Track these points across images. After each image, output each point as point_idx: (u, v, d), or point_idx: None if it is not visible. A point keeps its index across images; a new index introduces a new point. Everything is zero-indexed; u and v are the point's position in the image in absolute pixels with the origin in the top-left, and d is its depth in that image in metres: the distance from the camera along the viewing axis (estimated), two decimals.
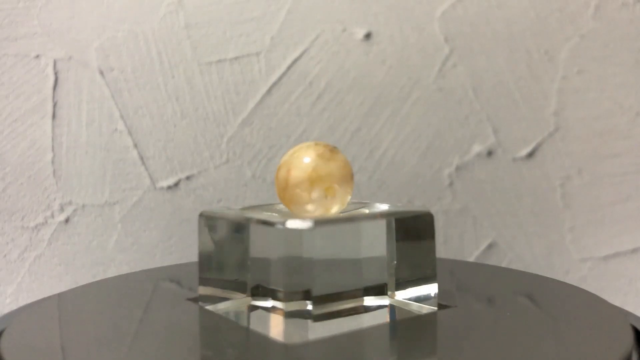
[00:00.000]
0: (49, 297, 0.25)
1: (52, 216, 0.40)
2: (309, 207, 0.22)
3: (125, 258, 0.40)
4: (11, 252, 0.40)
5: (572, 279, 0.39)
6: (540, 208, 0.39)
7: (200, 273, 0.23)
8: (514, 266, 0.39)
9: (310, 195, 0.21)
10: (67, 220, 0.40)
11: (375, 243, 0.22)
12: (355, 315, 0.21)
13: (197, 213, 0.40)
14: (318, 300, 0.20)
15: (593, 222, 0.39)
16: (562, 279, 0.30)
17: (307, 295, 0.20)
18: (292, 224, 0.20)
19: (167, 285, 0.28)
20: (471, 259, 0.39)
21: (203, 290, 0.23)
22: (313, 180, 0.21)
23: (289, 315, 0.20)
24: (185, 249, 0.40)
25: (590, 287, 0.38)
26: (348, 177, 0.22)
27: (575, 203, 0.39)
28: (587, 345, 0.19)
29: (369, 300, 0.22)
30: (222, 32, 0.39)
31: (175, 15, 0.39)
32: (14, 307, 0.39)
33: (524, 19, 0.38)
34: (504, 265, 0.39)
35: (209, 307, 0.23)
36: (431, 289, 0.22)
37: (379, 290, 0.22)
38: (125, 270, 0.40)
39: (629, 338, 0.19)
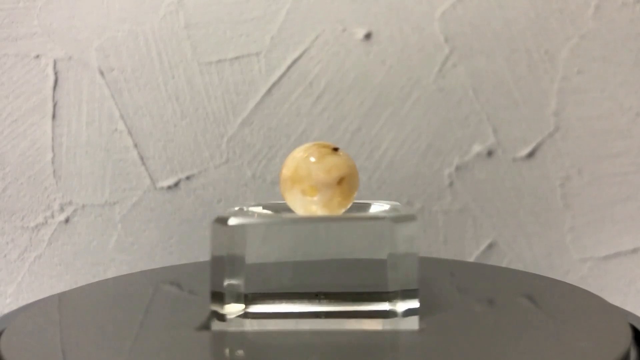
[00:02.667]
0: (49, 297, 0.25)
1: (52, 216, 0.40)
2: (297, 205, 0.22)
3: (125, 258, 0.40)
4: (11, 252, 0.40)
5: (572, 279, 0.39)
6: (540, 208, 0.39)
7: None
8: (514, 266, 0.39)
9: (292, 194, 0.22)
10: (67, 220, 0.40)
11: (320, 246, 0.21)
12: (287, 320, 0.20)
13: (197, 213, 0.40)
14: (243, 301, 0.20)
15: (593, 222, 0.39)
16: (562, 279, 0.30)
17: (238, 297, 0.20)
18: (231, 221, 0.20)
19: (168, 288, 0.28)
20: (471, 259, 0.39)
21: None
22: (294, 180, 0.22)
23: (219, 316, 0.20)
24: (185, 249, 0.40)
25: (590, 287, 0.38)
26: (332, 180, 0.22)
27: (575, 203, 0.39)
28: (587, 345, 0.19)
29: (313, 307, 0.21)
30: (222, 32, 0.39)
31: (175, 15, 0.39)
32: (14, 307, 0.39)
33: (524, 19, 0.38)
34: (504, 265, 0.39)
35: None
36: (410, 305, 0.20)
37: (313, 296, 0.20)
38: (125, 270, 0.40)
39: (627, 336, 0.19)
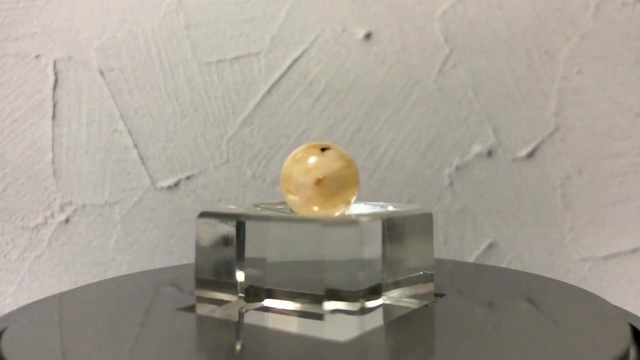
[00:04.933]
0: (49, 297, 0.25)
1: (52, 216, 0.40)
2: (289, 203, 0.23)
3: (125, 258, 0.40)
4: (11, 252, 0.40)
5: (572, 279, 0.39)
6: (540, 208, 0.39)
7: None
8: (514, 266, 0.39)
9: (284, 193, 0.23)
10: (67, 220, 0.40)
11: (265, 245, 0.22)
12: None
13: (197, 213, 0.40)
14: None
15: (593, 222, 0.39)
16: (562, 279, 0.30)
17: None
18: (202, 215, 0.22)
19: (168, 288, 0.28)
20: (471, 259, 0.39)
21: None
22: (283, 180, 0.22)
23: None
24: (185, 249, 0.40)
25: (590, 287, 0.38)
26: (309, 181, 0.21)
27: (575, 203, 0.39)
28: (586, 345, 0.19)
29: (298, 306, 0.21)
30: (222, 32, 0.39)
31: (175, 15, 0.39)
32: (14, 307, 0.39)
33: (524, 19, 0.38)
34: (504, 265, 0.39)
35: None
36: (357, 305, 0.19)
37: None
38: (125, 270, 0.40)
39: (627, 336, 0.19)
